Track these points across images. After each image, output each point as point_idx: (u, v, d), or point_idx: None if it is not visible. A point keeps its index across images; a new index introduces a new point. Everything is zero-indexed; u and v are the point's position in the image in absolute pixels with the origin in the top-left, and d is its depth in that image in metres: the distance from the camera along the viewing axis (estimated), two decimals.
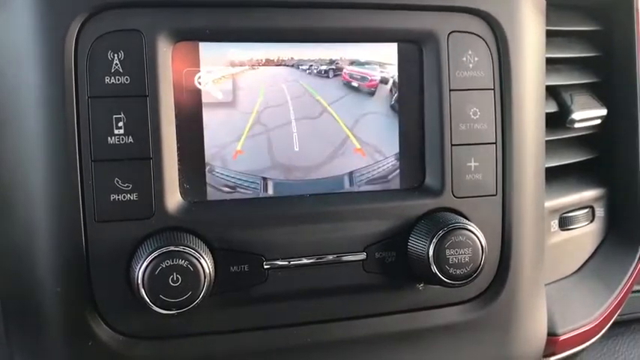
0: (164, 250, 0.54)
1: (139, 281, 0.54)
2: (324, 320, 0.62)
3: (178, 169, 0.59)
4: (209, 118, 0.60)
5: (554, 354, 0.74)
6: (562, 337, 0.74)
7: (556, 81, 0.76)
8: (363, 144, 0.64)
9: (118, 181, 0.56)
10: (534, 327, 0.71)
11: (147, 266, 0.54)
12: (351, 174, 0.64)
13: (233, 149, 0.61)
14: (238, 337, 0.60)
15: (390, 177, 0.65)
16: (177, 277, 0.54)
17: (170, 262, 0.54)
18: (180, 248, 0.54)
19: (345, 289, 0.63)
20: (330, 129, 0.63)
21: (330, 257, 0.61)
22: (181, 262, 0.54)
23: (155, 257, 0.54)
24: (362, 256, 0.62)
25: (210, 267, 0.55)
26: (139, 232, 0.57)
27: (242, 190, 0.61)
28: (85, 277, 0.56)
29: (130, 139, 0.56)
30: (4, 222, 0.58)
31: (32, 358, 0.59)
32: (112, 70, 0.56)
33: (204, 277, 0.55)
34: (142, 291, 0.54)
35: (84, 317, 0.57)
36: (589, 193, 0.80)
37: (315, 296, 0.62)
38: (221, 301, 0.59)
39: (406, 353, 0.65)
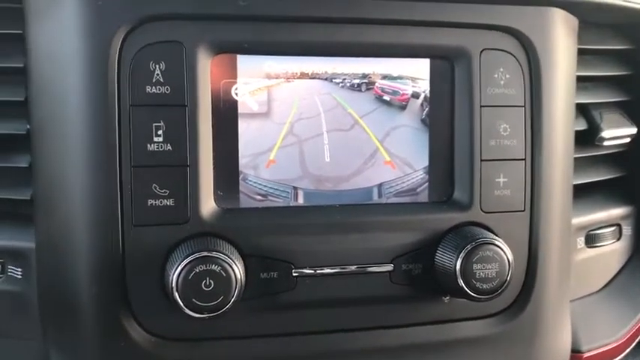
0: (198, 255, 0.56)
1: (173, 285, 0.55)
2: (350, 329, 0.63)
3: (213, 177, 0.60)
4: (244, 128, 0.61)
5: None
6: (586, 355, 0.74)
7: (586, 99, 0.76)
8: (392, 157, 0.65)
9: (155, 187, 0.58)
10: (558, 343, 0.71)
11: (181, 270, 0.55)
12: (380, 186, 0.65)
13: (266, 159, 0.62)
14: (266, 342, 0.61)
15: (418, 190, 0.66)
16: (209, 282, 0.55)
17: (203, 267, 0.55)
18: (214, 254, 0.56)
19: (371, 300, 0.64)
20: (360, 141, 0.64)
21: (358, 267, 0.63)
22: (214, 267, 0.55)
23: (189, 262, 0.55)
24: (389, 267, 0.63)
25: (241, 273, 0.57)
26: (174, 237, 0.58)
27: (273, 199, 0.63)
28: (120, 279, 0.58)
29: (169, 147, 0.58)
30: (45, 221, 0.60)
31: (67, 356, 0.61)
32: (154, 80, 0.58)
33: (236, 283, 0.56)
34: (176, 294, 0.55)
35: (118, 318, 0.59)
36: (617, 211, 0.80)
37: (342, 305, 0.63)
38: (251, 307, 0.60)
39: None
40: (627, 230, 0.82)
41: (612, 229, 0.81)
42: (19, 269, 0.62)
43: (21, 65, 0.61)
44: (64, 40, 0.58)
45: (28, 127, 0.61)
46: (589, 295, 0.80)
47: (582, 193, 0.77)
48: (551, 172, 0.67)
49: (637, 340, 0.78)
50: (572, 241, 0.75)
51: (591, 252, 0.79)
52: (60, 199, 0.59)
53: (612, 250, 0.81)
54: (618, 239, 0.81)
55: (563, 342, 0.72)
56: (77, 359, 0.61)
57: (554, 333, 0.70)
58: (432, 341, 0.65)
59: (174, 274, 0.55)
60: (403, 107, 0.65)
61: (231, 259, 0.56)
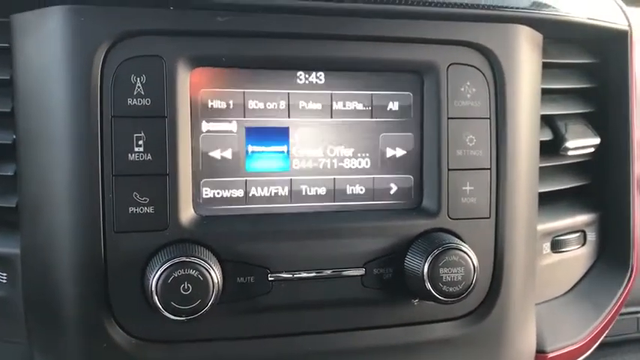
0: (176, 260, 0.58)
1: (153, 289, 0.58)
2: (324, 331, 0.66)
3: (193, 185, 0.63)
4: None
5: None
6: (550, 355, 0.77)
7: (552, 110, 0.80)
8: (365, 165, 0.68)
9: (136, 195, 0.61)
10: (524, 344, 0.74)
11: (160, 275, 0.58)
12: (352, 193, 0.68)
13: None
14: (243, 344, 0.64)
15: (389, 197, 0.69)
16: (187, 286, 0.58)
17: (182, 272, 0.58)
18: (192, 259, 0.59)
19: (344, 302, 0.67)
20: (335, 149, 0.67)
21: (331, 272, 0.65)
22: (192, 272, 0.58)
23: (168, 267, 0.58)
24: (361, 271, 0.66)
25: (218, 277, 0.59)
26: (154, 243, 0.61)
27: (250, 205, 0.66)
28: (102, 284, 0.61)
29: (149, 157, 0.61)
30: (30, 228, 0.63)
31: (51, 358, 0.63)
32: (135, 93, 0.61)
33: (213, 287, 0.59)
34: (155, 298, 0.58)
35: (100, 320, 0.61)
36: (581, 218, 0.84)
37: (316, 308, 0.66)
38: (228, 310, 0.63)
39: None
40: (591, 236, 0.85)
41: (577, 235, 0.84)
42: (4, 274, 0.65)
43: (7, 77, 0.63)
44: (49, 54, 0.60)
45: (14, 137, 0.64)
46: (555, 298, 0.83)
47: (548, 201, 0.80)
48: (515, 180, 0.70)
49: (599, 341, 0.81)
50: (538, 247, 0.79)
51: (557, 257, 0.82)
52: (44, 207, 0.62)
53: (577, 256, 0.85)
54: (583, 245, 0.85)
55: (529, 343, 0.75)
56: None
57: (519, 334, 0.73)
58: (403, 342, 0.68)
59: (154, 279, 0.58)
60: (377, 119, 0.68)
61: (208, 264, 0.59)
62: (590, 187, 0.85)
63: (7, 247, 0.64)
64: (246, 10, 0.62)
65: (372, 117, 0.68)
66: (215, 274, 0.59)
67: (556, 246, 0.82)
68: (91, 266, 0.60)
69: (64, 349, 0.63)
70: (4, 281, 0.65)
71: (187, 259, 0.58)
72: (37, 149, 0.62)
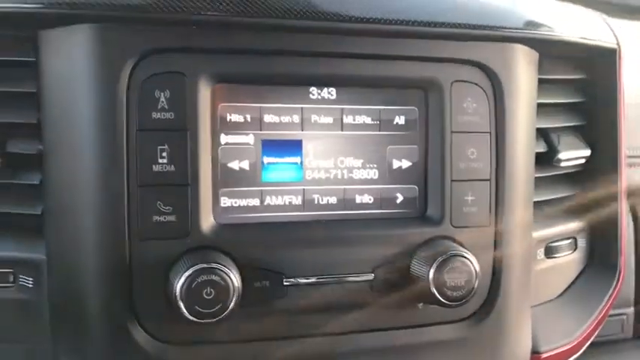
0: (199, 266, 0.62)
1: (177, 294, 0.61)
2: (335, 333, 0.70)
3: (212, 194, 0.66)
4: None
5: None
6: (544, 355, 0.81)
7: (545, 124, 0.84)
8: (374, 176, 0.72)
9: (160, 205, 0.64)
10: (520, 345, 0.79)
11: (185, 280, 0.61)
12: (361, 202, 0.72)
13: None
14: (260, 345, 0.68)
15: (395, 206, 0.73)
16: (210, 291, 0.61)
17: (205, 278, 0.61)
18: (213, 265, 0.62)
19: (354, 306, 0.70)
20: (346, 160, 0.71)
21: (342, 277, 0.69)
22: (214, 277, 0.61)
23: (192, 273, 0.61)
24: (370, 276, 0.70)
25: (238, 282, 0.63)
26: (177, 250, 0.64)
27: (268, 213, 0.69)
28: (127, 289, 0.64)
29: (172, 167, 0.64)
30: (56, 235, 0.66)
31: (76, 359, 0.66)
32: (159, 107, 0.64)
33: (233, 291, 0.62)
34: (180, 302, 0.61)
35: (125, 324, 0.64)
36: (572, 225, 0.89)
37: (328, 311, 0.70)
38: (245, 313, 0.66)
39: None
40: (582, 242, 0.90)
41: (569, 241, 0.89)
42: (30, 278, 0.67)
43: (34, 90, 0.66)
44: (77, 69, 0.63)
45: (40, 147, 0.67)
46: (548, 301, 0.88)
47: (542, 209, 0.85)
48: (513, 190, 0.75)
49: (590, 341, 0.86)
50: (533, 252, 0.83)
51: (550, 262, 0.87)
52: (70, 215, 0.65)
53: (569, 261, 0.89)
54: (574, 250, 0.90)
55: (524, 344, 0.80)
56: None
57: (516, 335, 0.78)
58: (409, 343, 0.72)
59: (179, 284, 0.61)
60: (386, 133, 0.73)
61: (228, 269, 0.62)
62: (580, 195, 0.90)
63: (34, 252, 0.67)
64: (262, 30, 0.66)
65: (380, 130, 0.72)
66: (236, 279, 0.62)
67: (550, 252, 0.86)
68: (116, 272, 0.64)
69: (88, 352, 0.66)
70: (30, 285, 0.68)
71: (209, 266, 0.62)
72: (63, 159, 0.65)
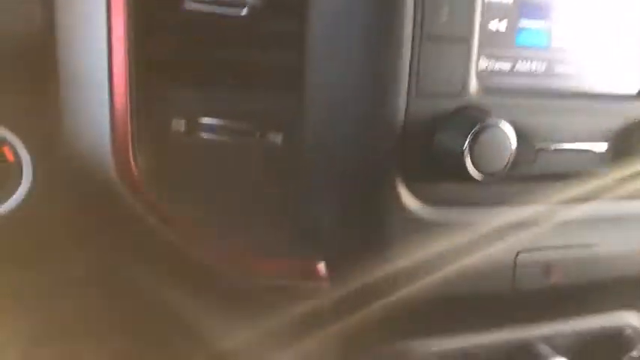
0: (484, 124, 0.61)
1: (465, 149, 0.60)
2: (571, 200, 0.71)
3: (477, 55, 0.64)
4: None
5: None
6: None
7: None
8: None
9: (437, 61, 0.62)
10: None
11: (473, 137, 0.60)
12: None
13: None
14: (513, 209, 0.68)
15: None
16: (495, 148, 0.61)
17: (492, 135, 0.61)
18: (496, 122, 0.61)
19: (584, 174, 0.71)
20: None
21: (582, 145, 0.70)
22: (500, 135, 0.61)
23: (478, 130, 0.60)
24: (604, 146, 0.71)
25: (515, 142, 0.62)
26: (448, 108, 0.63)
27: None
28: (396, 148, 0.63)
29: (452, 26, 0.62)
30: (318, 86, 0.63)
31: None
32: None
33: (510, 152, 0.62)
34: (467, 158, 0.60)
35: (393, 184, 0.63)
36: None
37: (567, 178, 0.70)
38: (506, 175, 0.66)
39: None
40: None
41: None
42: (280, 133, 0.65)
43: None
44: None
45: None
46: None
47: None
48: None
49: None
50: None
51: None
52: (335, 65, 0.62)
53: None
54: None
55: None
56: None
57: None
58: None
59: (467, 141, 0.60)
60: None
61: (507, 129, 0.62)
62: None
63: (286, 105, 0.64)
64: None
65: None
66: (513, 139, 0.62)
67: None
68: (389, 130, 0.62)
69: (352, 210, 0.65)
70: (279, 143, 0.65)
71: (493, 124, 0.61)
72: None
